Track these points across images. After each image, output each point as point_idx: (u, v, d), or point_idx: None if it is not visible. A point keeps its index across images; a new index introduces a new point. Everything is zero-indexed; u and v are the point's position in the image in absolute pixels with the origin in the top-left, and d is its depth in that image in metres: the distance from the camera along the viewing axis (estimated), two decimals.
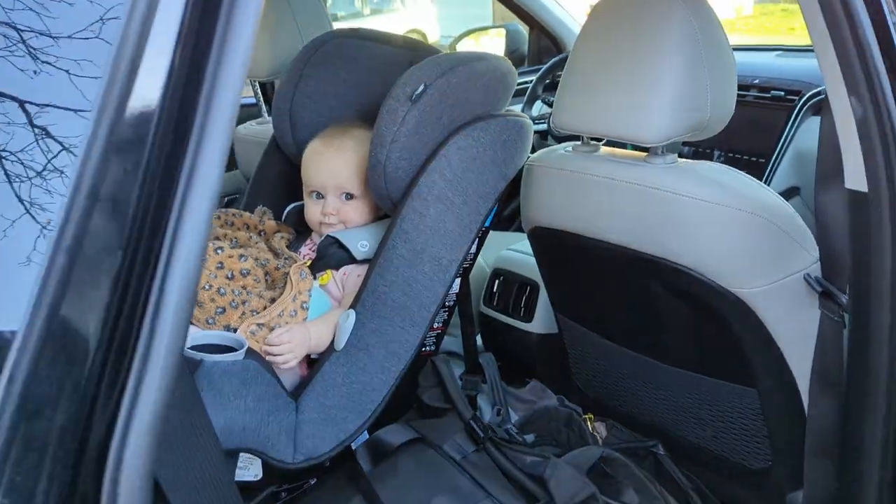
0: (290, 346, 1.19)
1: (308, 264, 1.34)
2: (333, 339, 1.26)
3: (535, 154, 1.45)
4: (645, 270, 1.31)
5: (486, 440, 1.23)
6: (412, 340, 1.27)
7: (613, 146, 1.39)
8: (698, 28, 1.16)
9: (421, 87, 1.24)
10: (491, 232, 1.44)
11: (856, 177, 1.08)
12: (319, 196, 1.45)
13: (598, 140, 1.39)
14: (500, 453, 1.22)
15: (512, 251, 1.89)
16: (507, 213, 2.46)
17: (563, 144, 1.43)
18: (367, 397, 1.25)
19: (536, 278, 1.75)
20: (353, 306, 1.28)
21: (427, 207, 1.26)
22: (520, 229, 2.32)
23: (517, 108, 2.23)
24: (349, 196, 1.42)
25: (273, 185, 1.67)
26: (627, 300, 1.44)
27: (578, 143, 1.40)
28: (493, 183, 1.34)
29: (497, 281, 1.88)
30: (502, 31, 2.96)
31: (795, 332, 1.27)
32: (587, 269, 1.46)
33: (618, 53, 1.23)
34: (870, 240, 1.05)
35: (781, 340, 1.26)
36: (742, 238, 1.20)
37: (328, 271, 1.39)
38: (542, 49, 2.82)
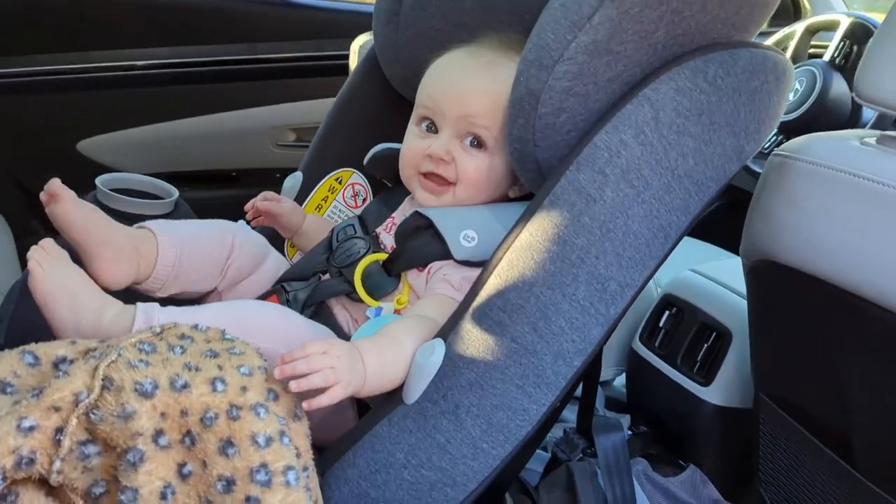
0: (331, 363, 0.67)
1: None
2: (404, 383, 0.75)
3: (795, 141, 0.86)
4: None
5: None
6: (534, 411, 0.72)
7: None
8: None
9: None
10: None
11: None
12: (431, 128, 0.92)
13: None
14: None
15: (697, 274, 1.32)
16: None
17: (852, 132, 0.84)
18: (441, 495, 0.72)
19: (731, 324, 1.17)
20: (441, 334, 0.75)
21: (602, 188, 0.71)
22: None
23: None
24: (476, 142, 0.89)
25: (352, 126, 1.17)
26: None
27: (881, 133, 0.80)
28: (720, 162, 0.76)
29: (667, 313, 1.30)
30: None
31: None
32: (848, 348, 0.86)
33: None
34: None
35: None
36: None
37: (405, 287, 0.88)
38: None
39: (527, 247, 0.72)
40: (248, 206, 1.04)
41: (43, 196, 0.81)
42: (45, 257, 0.74)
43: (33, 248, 0.75)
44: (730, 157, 0.75)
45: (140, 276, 0.86)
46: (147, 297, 0.87)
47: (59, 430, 0.58)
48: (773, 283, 0.91)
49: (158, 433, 0.59)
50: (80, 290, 0.74)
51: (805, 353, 0.93)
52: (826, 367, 0.90)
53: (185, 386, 0.60)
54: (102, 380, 0.60)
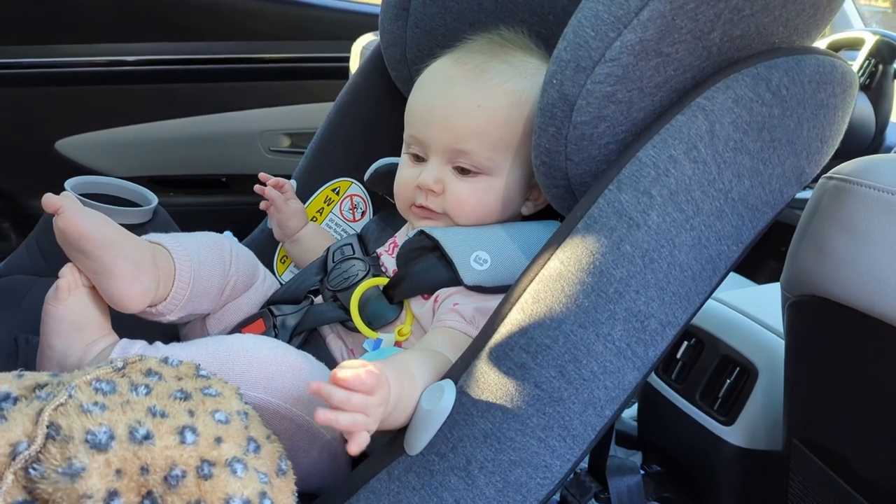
0: (366, 398, 0.55)
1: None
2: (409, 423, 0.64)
3: (852, 163, 0.77)
4: None
5: None
6: (557, 467, 0.62)
7: None
8: None
9: None
10: None
11: None
12: (420, 158, 0.82)
13: None
14: None
15: (719, 302, 1.22)
16: None
17: None
18: None
19: (758, 359, 1.08)
20: (451, 375, 0.65)
21: (647, 211, 0.61)
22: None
23: None
24: (470, 165, 0.79)
25: (352, 132, 1.07)
26: None
27: None
28: (778, 185, 0.66)
29: (685, 344, 1.21)
30: None
31: None
32: None
33: None
34: None
35: None
36: None
37: (407, 316, 0.79)
38: None
39: (556, 277, 0.62)
40: (262, 177, 0.97)
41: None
42: (76, 284, 0.67)
43: (70, 266, 0.68)
44: (789, 180, 0.65)
45: (158, 297, 0.73)
46: (153, 324, 0.77)
47: None
48: (820, 321, 0.82)
49: (112, 495, 0.48)
50: (88, 327, 0.67)
51: (853, 400, 0.84)
52: (878, 417, 0.81)
53: (148, 436, 0.50)
54: (47, 427, 0.49)
